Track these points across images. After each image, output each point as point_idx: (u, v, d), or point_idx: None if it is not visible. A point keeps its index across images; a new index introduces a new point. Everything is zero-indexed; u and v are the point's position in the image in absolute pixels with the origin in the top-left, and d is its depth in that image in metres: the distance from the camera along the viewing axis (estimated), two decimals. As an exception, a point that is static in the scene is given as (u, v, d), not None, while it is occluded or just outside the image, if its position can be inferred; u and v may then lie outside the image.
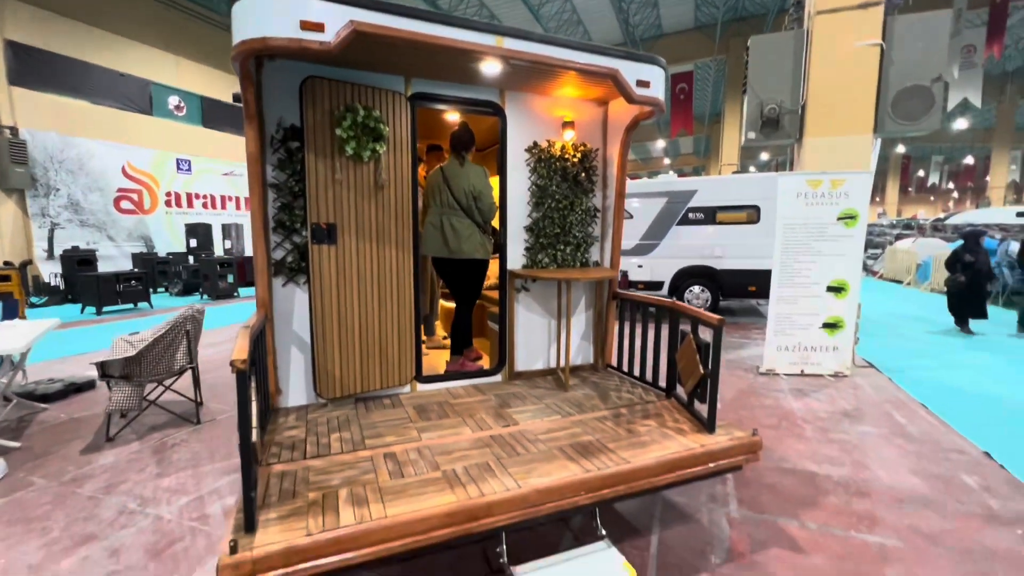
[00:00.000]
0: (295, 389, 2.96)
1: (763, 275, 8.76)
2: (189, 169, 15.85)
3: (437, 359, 3.95)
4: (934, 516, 2.74)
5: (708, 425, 2.54)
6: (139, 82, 14.34)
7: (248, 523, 1.67)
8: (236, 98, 3.00)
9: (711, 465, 2.37)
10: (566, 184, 3.48)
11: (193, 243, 14.70)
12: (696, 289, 8.81)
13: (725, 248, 8.57)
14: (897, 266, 15.10)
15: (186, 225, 14.97)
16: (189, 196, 15.94)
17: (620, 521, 2.70)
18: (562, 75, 2.97)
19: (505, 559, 2.04)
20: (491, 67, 2.77)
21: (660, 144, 33.75)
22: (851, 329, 5.29)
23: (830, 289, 5.24)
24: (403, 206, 3.02)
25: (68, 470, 3.23)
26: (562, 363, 3.60)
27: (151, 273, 11.95)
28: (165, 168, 15.13)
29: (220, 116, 16.87)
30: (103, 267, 11.44)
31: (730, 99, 20.26)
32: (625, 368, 3.55)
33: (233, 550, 1.57)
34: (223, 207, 17.13)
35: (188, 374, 4.13)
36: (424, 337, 3.66)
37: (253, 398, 1.80)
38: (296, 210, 2.81)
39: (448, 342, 4.02)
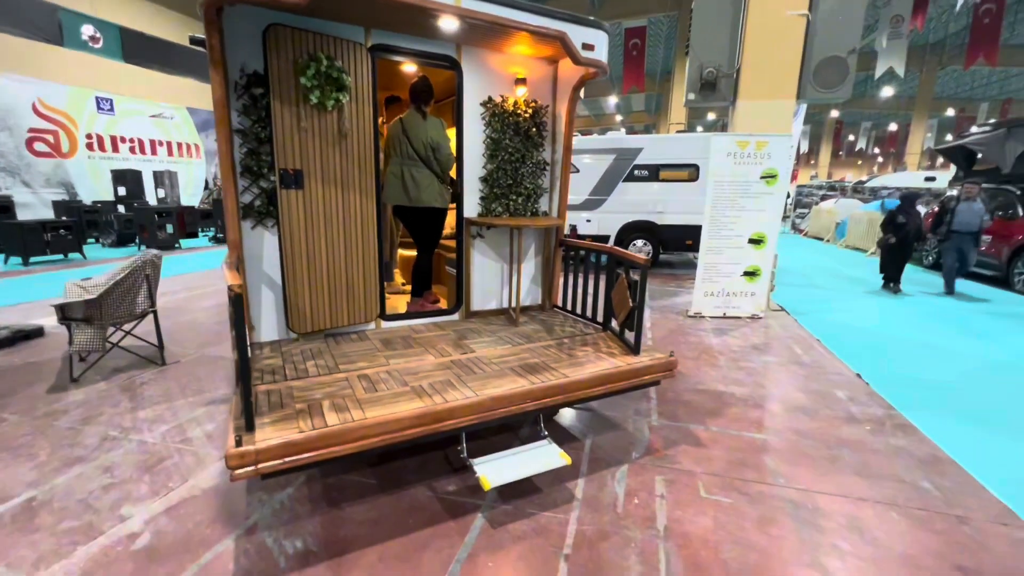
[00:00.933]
0: (267, 325, 3.20)
1: (699, 230, 9.51)
2: (111, 109, 14.58)
3: (397, 302, 4.24)
4: (807, 419, 3.42)
5: (634, 349, 3.03)
6: (44, 6, 12.83)
7: (248, 423, 1.98)
8: (194, 41, 3.04)
9: (635, 380, 2.87)
10: (518, 138, 3.76)
11: (122, 191, 13.76)
12: (639, 243, 9.40)
13: (666, 204, 9.14)
14: (820, 224, 16.47)
15: (112, 171, 13.92)
16: (114, 139, 14.74)
17: (560, 431, 3.20)
18: (515, 34, 3.18)
19: (466, 455, 2.47)
20: (448, 23, 2.94)
21: (613, 100, 33.88)
22: (767, 277, 6.01)
23: (751, 241, 5.89)
24: (366, 155, 3.21)
25: (38, 407, 3.35)
26: (514, 303, 4.00)
27: (80, 222, 11.21)
28: (83, 107, 13.86)
29: (144, 51, 15.39)
30: (21, 216, 10.61)
31: (680, 57, 20.58)
32: (569, 308, 4.00)
33: (239, 443, 1.87)
34: (153, 152, 15.97)
35: (146, 321, 4.20)
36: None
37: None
38: (263, 155, 2.95)
39: (408, 288, 4.32)
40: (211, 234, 13.86)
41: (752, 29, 5.93)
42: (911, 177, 21.64)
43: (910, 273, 9.66)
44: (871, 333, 5.56)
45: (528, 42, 3.40)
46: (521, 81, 3.67)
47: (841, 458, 2.92)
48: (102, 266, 8.95)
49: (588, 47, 3.12)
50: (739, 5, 6.01)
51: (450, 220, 4.20)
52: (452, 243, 4.03)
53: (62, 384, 3.73)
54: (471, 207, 3.77)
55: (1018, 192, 8.61)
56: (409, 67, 4.04)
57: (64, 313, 3.67)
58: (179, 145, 16.79)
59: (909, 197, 7.97)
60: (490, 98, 3.63)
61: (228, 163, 2.77)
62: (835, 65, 5.79)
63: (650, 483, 2.62)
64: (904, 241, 7.51)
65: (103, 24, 14.31)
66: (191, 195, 17.14)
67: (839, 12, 5.73)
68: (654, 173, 9.16)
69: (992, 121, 11.31)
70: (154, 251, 4.19)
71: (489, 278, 3.96)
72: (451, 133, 3.73)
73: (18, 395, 3.53)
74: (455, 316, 3.88)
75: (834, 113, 35.91)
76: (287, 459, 1.96)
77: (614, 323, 3.45)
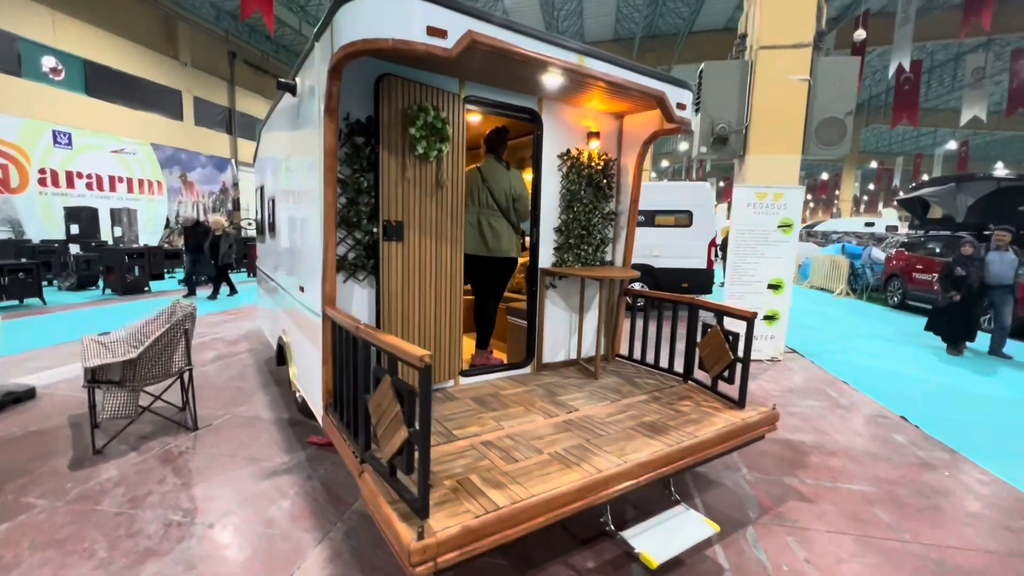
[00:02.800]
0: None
1: (695, 273, 9.86)
2: (69, 143, 13.68)
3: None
4: (888, 467, 3.47)
5: (739, 402, 3.00)
6: (2, 36, 12.07)
7: (423, 510, 1.76)
8: (282, 85, 2.90)
9: (747, 436, 2.83)
10: (590, 189, 3.78)
11: (74, 229, 12.72)
12: (636, 285, 9.59)
13: (662, 248, 9.44)
14: (782, 266, 17.45)
15: (66, 208, 12.90)
16: (69, 175, 13.77)
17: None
18: (595, 90, 3.24)
19: (611, 526, 2.31)
20: (554, 79, 2.97)
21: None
22: (785, 320, 6.24)
23: (770, 286, 6.13)
24: (457, 205, 3.12)
25: (68, 488, 2.88)
26: (583, 354, 3.92)
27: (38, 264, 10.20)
28: (38, 140, 12.92)
29: (109, 85, 14.73)
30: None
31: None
32: (636, 356, 3.95)
33: (421, 535, 1.66)
34: (112, 189, 15.00)
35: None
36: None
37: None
38: (361, 206, 2.79)
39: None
40: (180, 275, 12.98)
41: (759, 90, 6.38)
42: (850, 223, 23.62)
43: (881, 314, 10.36)
44: (889, 374, 5.83)
45: (604, 97, 3.48)
46: (594, 135, 3.73)
47: (942, 507, 2.97)
48: (67, 313, 8.12)
49: (681, 106, 3.23)
50: (746, 68, 6.48)
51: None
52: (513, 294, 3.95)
53: (85, 457, 3.25)
54: (545, 257, 3.71)
55: (973, 238, 9.51)
56: (473, 116, 4.03)
57: (97, 375, 3.23)
58: (140, 182, 15.87)
59: (972, 244, 6.79)
60: (568, 150, 3.66)
61: (333, 214, 2.59)
62: (834, 125, 6.30)
63: (785, 545, 2.54)
64: (968, 296, 6.57)
65: (66, 56, 13.63)
66: (151, 233, 16.12)
67: (835, 79, 6.28)
68: (650, 219, 9.48)
69: (939, 176, 12.57)
70: (186, 301, 3.83)
71: (559, 329, 3.87)
72: (526, 182, 3.72)
73: (36, 474, 3.03)
74: (527, 370, 3.73)
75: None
76: (466, 548, 1.75)
77: (697, 373, 3.43)
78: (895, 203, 17.85)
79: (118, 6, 14.77)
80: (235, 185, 19.96)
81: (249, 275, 14.07)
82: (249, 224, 19.00)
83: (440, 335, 3.13)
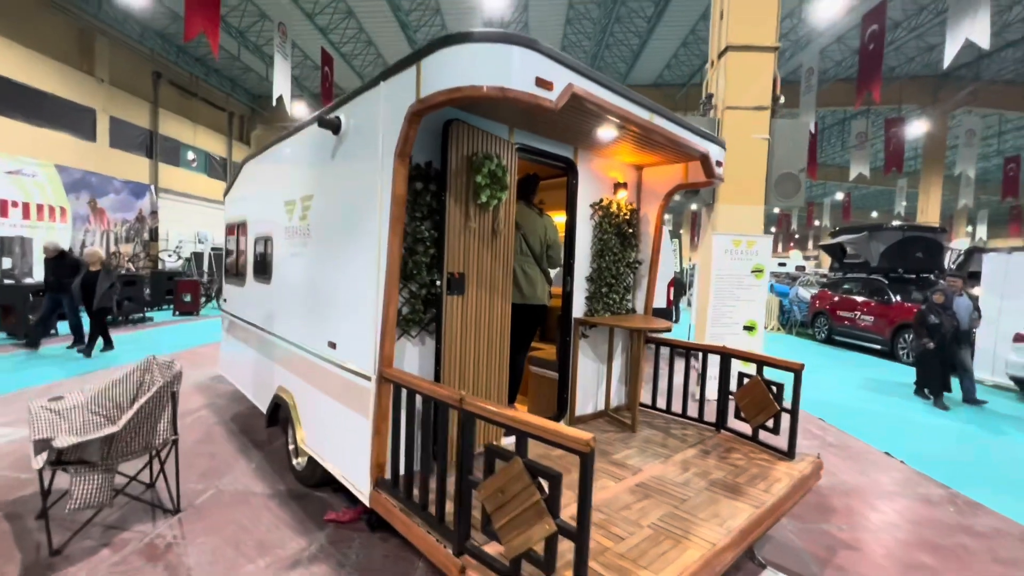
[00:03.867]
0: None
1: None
2: (-48, 161, 11.74)
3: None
4: (906, 505, 3.66)
5: (789, 453, 3.03)
6: None
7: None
8: (325, 123, 2.67)
9: (806, 488, 2.86)
10: (618, 238, 3.79)
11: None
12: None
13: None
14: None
15: (-59, 236, 10.97)
16: (-51, 197, 11.76)
17: (720, 549, 3.00)
18: (637, 142, 3.28)
19: (719, 602, 2.18)
20: (609, 132, 2.96)
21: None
22: (758, 360, 6.56)
23: (745, 328, 6.46)
24: (508, 255, 2.97)
25: (29, 608, 2.25)
26: (610, 404, 3.83)
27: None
28: (-90, 156, 10.97)
29: (10, 98, 12.97)
30: None
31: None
32: (659, 405, 3.92)
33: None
34: (3, 215, 13.00)
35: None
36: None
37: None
38: (419, 256, 2.56)
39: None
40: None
41: (728, 145, 6.88)
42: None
43: (812, 347, 11.31)
44: (847, 407, 6.28)
45: (634, 149, 3.54)
46: (622, 185, 3.77)
47: (968, 545, 3.14)
48: (-47, 364, 6.72)
49: (719, 163, 3.35)
50: (714, 126, 6.99)
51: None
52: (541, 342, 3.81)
53: (41, 562, 2.58)
54: (578, 306, 3.63)
55: (885, 281, 10.77)
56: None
57: (65, 456, 2.62)
58: (39, 207, 13.92)
59: (943, 292, 6.62)
60: (600, 200, 3.66)
61: (397, 265, 2.35)
62: (791, 180, 6.92)
63: (862, 602, 2.54)
64: (942, 345, 6.37)
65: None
66: (49, 266, 14.04)
67: (790, 139, 6.95)
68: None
69: (854, 224, 14.19)
70: (169, 359, 3.28)
71: (588, 380, 3.77)
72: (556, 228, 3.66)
73: (-22, 591, 2.35)
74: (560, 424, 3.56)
75: (693, 206, 42.50)
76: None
77: (730, 422, 3.45)
78: (818, 247, 19.91)
79: (26, 14, 13.24)
80: (153, 214, 18.12)
81: (177, 313, 12.64)
82: (171, 256, 17.24)
83: (490, 392, 2.90)
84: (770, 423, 3.19)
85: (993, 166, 27.59)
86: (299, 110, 19.79)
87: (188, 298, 12.53)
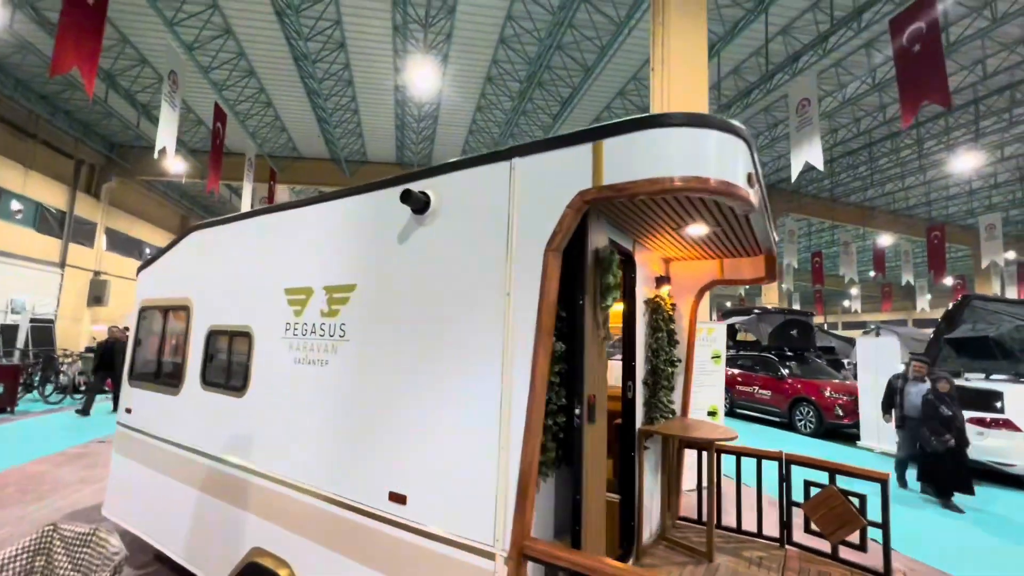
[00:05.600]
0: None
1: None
2: None
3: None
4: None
5: (886, 572, 2.84)
6: None
7: None
8: (412, 200, 2.10)
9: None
10: (664, 336, 3.54)
11: None
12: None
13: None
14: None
15: None
16: None
17: None
18: (715, 237, 3.10)
19: None
20: (699, 229, 2.77)
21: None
22: (721, 445, 6.64)
23: (709, 414, 6.55)
24: (604, 363, 2.50)
25: None
26: (648, 525, 3.37)
27: None
28: None
29: None
30: None
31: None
32: (702, 518, 3.57)
33: None
34: None
35: None
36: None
37: None
38: (550, 376, 1.99)
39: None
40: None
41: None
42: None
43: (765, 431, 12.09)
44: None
45: (671, 243, 3.41)
46: (665, 279, 3.59)
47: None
48: None
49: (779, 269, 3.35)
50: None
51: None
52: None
53: None
54: (639, 414, 3.21)
55: (776, 358, 12.13)
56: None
57: None
58: None
59: (947, 381, 6.02)
60: (653, 296, 3.41)
61: (544, 392, 1.76)
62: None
63: None
64: (960, 439, 5.70)
65: None
66: None
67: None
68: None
69: (740, 308, 16.07)
70: (89, 529, 2.12)
71: (644, 500, 3.28)
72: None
73: None
74: (628, 562, 2.98)
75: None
76: None
77: (797, 534, 3.22)
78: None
79: None
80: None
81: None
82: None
83: (611, 546, 2.29)
84: (853, 537, 3.00)
85: (803, 259, 33.84)
86: (176, 166, 17.41)
87: (0, 389, 9.39)
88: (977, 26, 11.83)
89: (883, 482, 2.93)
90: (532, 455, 1.72)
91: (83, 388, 11.54)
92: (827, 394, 10.61)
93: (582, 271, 2.12)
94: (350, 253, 2.44)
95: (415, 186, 2.15)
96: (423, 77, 12.80)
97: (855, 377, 12.02)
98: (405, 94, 15.47)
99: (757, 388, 12.17)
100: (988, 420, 7.15)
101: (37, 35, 12.06)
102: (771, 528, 3.49)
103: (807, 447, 8.65)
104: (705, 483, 3.47)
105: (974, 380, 7.94)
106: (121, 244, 20.76)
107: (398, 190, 2.20)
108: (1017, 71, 13.81)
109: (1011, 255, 26.27)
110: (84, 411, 9.43)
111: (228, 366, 3.00)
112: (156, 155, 11.07)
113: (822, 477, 3.15)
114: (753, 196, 1.77)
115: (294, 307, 2.64)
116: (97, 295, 18.23)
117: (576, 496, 1.99)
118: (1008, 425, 7.00)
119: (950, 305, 9.18)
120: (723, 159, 1.66)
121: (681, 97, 7.51)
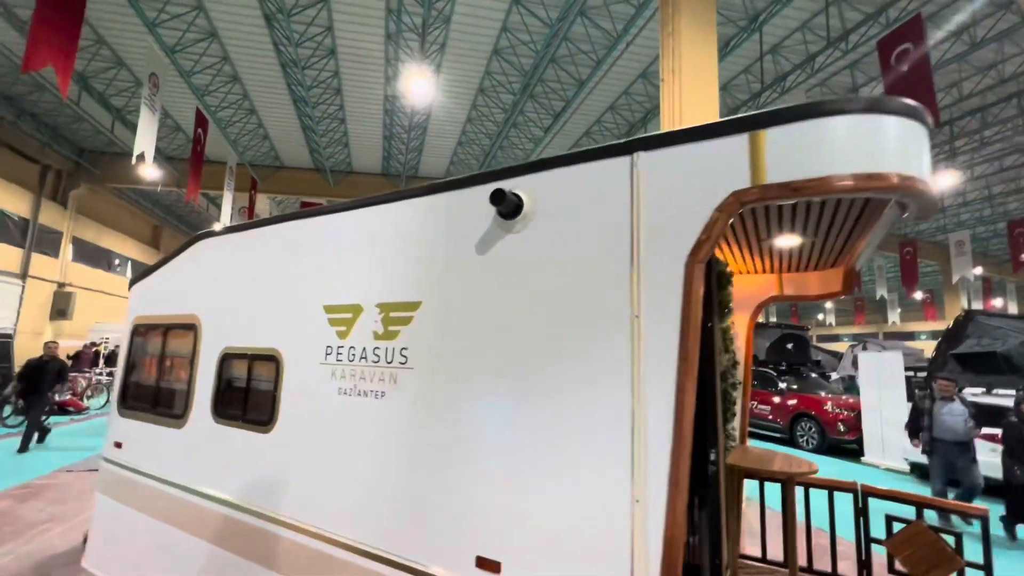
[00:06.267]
0: None
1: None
2: None
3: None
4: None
5: (992, 620, 2.57)
6: None
7: None
8: (496, 199, 1.77)
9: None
10: (730, 356, 3.26)
11: None
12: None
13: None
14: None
15: None
16: None
17: None
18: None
19: None
20: (791, 240, 2.51)
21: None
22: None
23: (731, 434, 6.30)
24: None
25: None
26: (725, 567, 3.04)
27: None
28: None
29: None
30: None
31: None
32: (761, 555, 3.27)
33: None
34: None
35: None
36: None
37: None
38: (674, 412, 1.66)
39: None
40: None
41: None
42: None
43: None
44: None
45: (739, 255, 3.17)
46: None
47: None
48: None
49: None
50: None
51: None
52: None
53: None
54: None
55: (774, 373, 12.06)
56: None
57: None
58: None
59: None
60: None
61: (690, 432, 1.43)
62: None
63: None
64: None
65: None
66: None
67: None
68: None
69: None
70: None
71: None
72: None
73: None
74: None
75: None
76: None
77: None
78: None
79: None
80: None
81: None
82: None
83: None
84: (948, 579, 2.73)
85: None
86: (152, 173, 16.60)
87: (-51, 416, 8.47)
88: (955, 51, 12.22)
89: (983, 518, 2.68)
90: (679, 516, 1.38)
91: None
92: (830, 409, 10.53)
93: (707, 287, 1.82)
94: (412, 265, 2.08)
95: (504, 185, 1.82)
96: (415, 87, 12.51)
97: (845, 391, 12.13)
98: (395, 104, 15.14)
99: (756, 403, 12.05)
100: None
101: (6, 33, 11.34)
102: (847, 568, 3.21)
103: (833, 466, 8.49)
104: (780, 521, 3.17)
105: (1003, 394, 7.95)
106: (89, 254, 19.64)
107: (475, 191, 1.87)
108: (989, 94, 14.37)
109: (979, 271, 27.30)
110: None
111: (248, 396, 2.58)
112: (134, 160, 10.41)
113: (893, 508, 2.89)
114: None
115: (337, 327, 2.26)
116: (61, 308, 17.11)
117: (715, 560, 1.66)
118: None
119: (951, 322, 9.23)
120: (908, 150, 1.39)
121: (693, 107, 7.39)
